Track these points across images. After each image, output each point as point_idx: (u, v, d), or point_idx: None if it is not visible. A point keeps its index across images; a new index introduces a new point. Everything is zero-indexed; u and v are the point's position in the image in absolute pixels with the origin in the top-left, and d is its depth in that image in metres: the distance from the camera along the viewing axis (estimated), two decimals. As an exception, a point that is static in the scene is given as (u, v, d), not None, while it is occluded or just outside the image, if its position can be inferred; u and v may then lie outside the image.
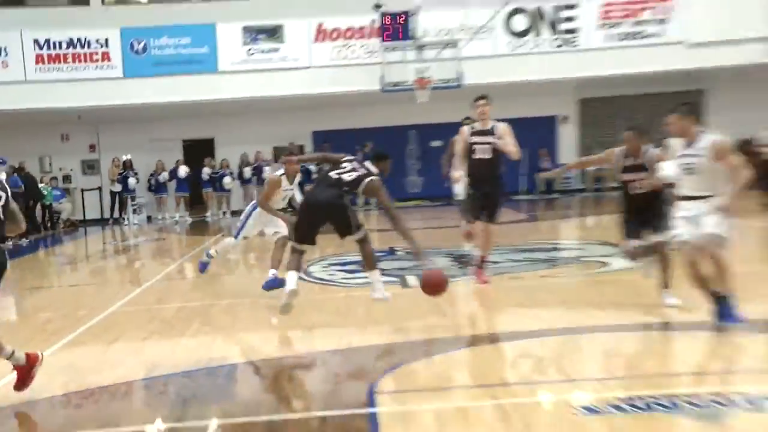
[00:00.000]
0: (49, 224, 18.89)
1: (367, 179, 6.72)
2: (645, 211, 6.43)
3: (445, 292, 6.32)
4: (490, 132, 8.18)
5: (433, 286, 6.23)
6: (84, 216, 20.96)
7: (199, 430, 4.64)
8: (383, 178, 7.01)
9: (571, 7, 18.78)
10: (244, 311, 8.26)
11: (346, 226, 6.65)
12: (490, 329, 7.09)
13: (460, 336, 6.55)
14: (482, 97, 8.37)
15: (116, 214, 20.10)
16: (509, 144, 8.01)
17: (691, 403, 4.26)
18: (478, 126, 8.27)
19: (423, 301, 7.07)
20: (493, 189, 8.03)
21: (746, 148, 16.08)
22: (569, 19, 18.81)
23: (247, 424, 4.59)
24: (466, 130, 8.41)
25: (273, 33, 18.87)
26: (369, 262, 6.82)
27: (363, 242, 6.75)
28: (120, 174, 20.04)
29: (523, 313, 7.37)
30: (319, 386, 5.65)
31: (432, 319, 6.95)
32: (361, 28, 18.81)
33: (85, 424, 4.84)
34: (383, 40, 17.86)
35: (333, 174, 6.76)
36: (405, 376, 5.51)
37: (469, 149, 8.16)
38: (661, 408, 4.25)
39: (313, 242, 6.87)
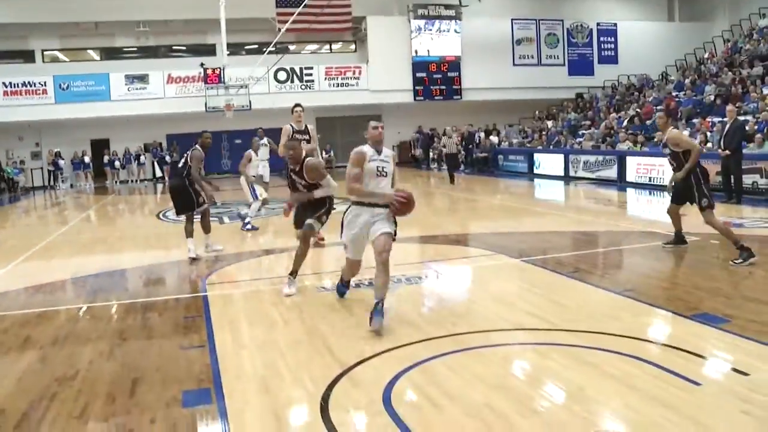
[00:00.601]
0: (11, 189, 28.35)
1: (190, 151, 9.39)
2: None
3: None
4: (305, 131, 9.82)
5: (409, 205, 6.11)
6: (33, 184, 30.21)
7: (105, 308, 7.18)
8: (206, 150, 9.54)
9: (309, 68, 30.98)
10: (133, 240, 12.44)
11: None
12: (273, 246, 10.85)
13: (248, 251, 10.36)
14: (298, 105, 10.09)
15: (52, 183, 29.82)
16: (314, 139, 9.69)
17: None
18: (296, 127, 9.76)
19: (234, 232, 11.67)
20: None
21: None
22: (309, 74, 30.88)
23: (132, 303, 7.28)
24: (289, 128, 9.75)
25: (142, 79, 29.44)
26: (207, 228, 9.89)
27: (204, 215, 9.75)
28: (53, 160, 29.87)
29: (291, 237, 9.35)
30: (175, 281, 8.81)
31: (231, 243, 10.96)
32: (193, 76, 29.43)
33: (38, 305, 7.44)
34: (206, 83, 28.44)
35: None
36: (222, 274, 8.67)
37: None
38: (363, 286, 7.20)
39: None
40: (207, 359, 5.52)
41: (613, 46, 34.39)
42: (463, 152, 28.23)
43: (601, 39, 34.35)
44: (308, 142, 9.59)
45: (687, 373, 4.65)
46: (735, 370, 4.78)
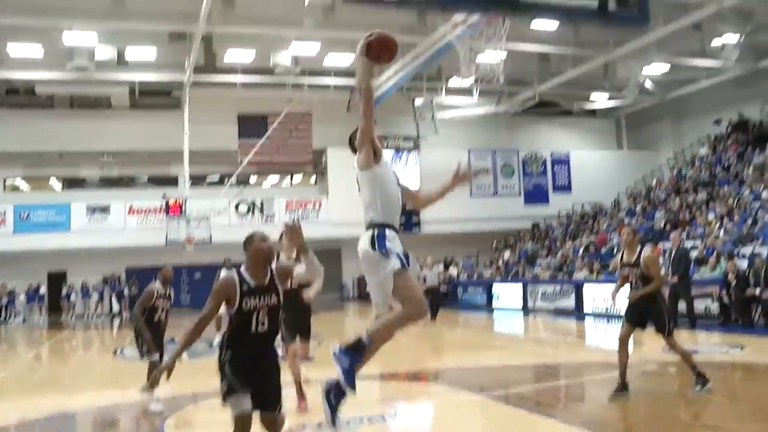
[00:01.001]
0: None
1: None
2: None
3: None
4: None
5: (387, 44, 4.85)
6: None
7: None
8: (166, 285, 9.19)
9: (270, 200, 31.23)
10: (87, 379, 12.07)
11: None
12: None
13: (208, 392, 8.52)
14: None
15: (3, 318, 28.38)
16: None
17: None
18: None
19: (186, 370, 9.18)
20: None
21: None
22: (270, 207, 30.92)
23: None
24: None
25: (104, 210, 29.31)
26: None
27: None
28: (7, 294, 28.37)
29: None
30: (131, 425, 8.47)
31: (190, 382, 9.93)
32: (155, 208, 29.33)
33: None
34: (167, 215, 28.54)
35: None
36: (184, 416, 8.45)
37: None
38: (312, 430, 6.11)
39: None
40: None
41: (566, 174, 35.62)
42: (444, 286, 26.53)
43: (555, 168, 35.60)
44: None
45: None
46: None
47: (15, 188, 31.51)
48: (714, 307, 15.40)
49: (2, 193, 30.61)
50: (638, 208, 26.56)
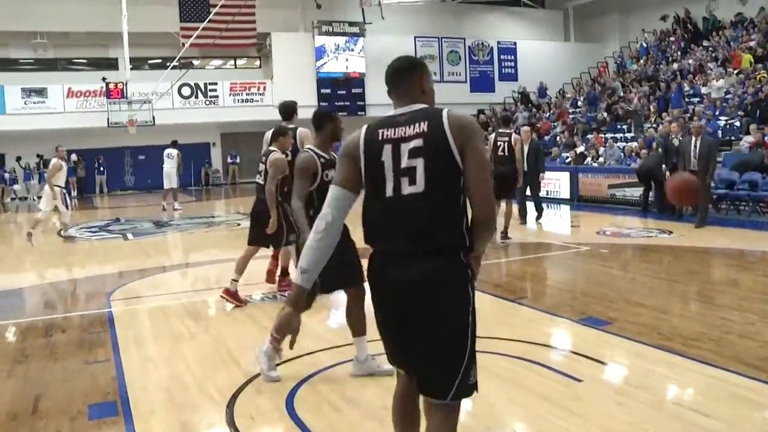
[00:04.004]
0: None
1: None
2: None
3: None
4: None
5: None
6: None
7: (3, 327, 7.16)
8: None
9: (214, 83, 30.72)
10: (33, 258, 12.31)
11: None
12: (178, 261, 10.93)
13: (153, 267, 10.28)
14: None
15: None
16: None
17: (281, 295, 5.33)
18: None
19: (138, 249, 12.31)
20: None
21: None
22: (213, 90, 30.62)
23: (33, 321, 7.33)
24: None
25: (40, 92, 28.38)
26: None
27: None
28: None
29: (195, 253, 11.41)
30: (78, 299, 8.74)
31: (137, 260, 10.78)
32: (95, 90, 28.57)
33: None
34: (108, 98, 27.90)
35: None
36: (127, 290, 8.74)
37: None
38: (267, 299, 7.98)
39: None
40: (113, 373, 5.59)
41: (513, 64, 35.49)
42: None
43: (502, 57, 35.40)
44: None
45: (571, 371, 5.11)
46: (613, 366, 5.34)
47: (-58, 68, 29.87)
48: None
49: (-72, 73, 29.08)
50: (582, 98, 26.87)
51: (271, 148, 7.39)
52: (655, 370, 5.19)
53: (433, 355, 2.76)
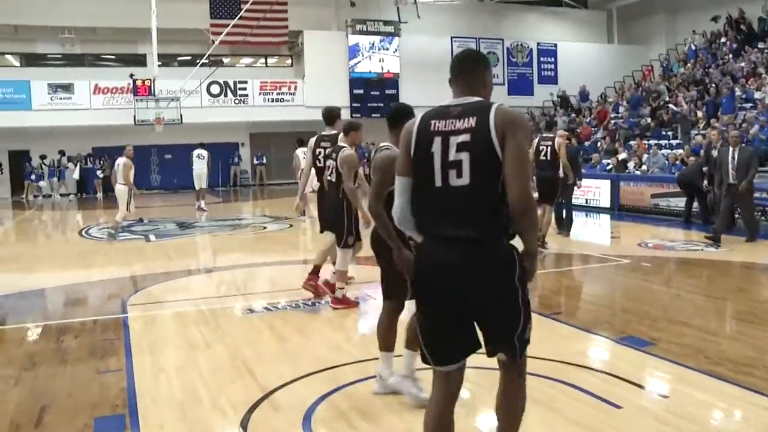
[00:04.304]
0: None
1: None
2: None
3: None
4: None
5: None
6: None
7: (16, 331, 6.96)
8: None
9: (244, 82, 30.43)
10: (52, 258, 11.70)
11: None
12: (200, 265, 10.39)
13: (174, 271, 9.80)
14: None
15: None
16: None
17: (305, 303, 7.37)
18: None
19: (160, 250, 11.60)
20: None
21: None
22: (243, 89, 30.26)
23: (46, 325, 6.99)
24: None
25: (67, 88, 28.06)
26: None
27: None
28: None
29: (218, 256, 11.07)
30: (95, 302, 8.45)
31: (158, 262, 10.51)
32: (122, 87, 28.24)
33: None
34: (135, 95, 27.84)
35: None
36: (146, 294, 8.38)
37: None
38: (289, 308, 7.33)
39: None
40: (123, 383, 5.28)
41: (553, 66, 34.76)
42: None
43: (541, 59, 34.67)
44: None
45: (609, 396, 4.70)
46: (655, 392, 4.90)
47: (-32, 63, 29.76)
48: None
49: (-46, 68, 28.97)
50: (625, 103, 26.13)
51: (342, 144, 7.22)
52: (700, 397, 4.77)
53: (494, 323, 3.12)
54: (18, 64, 30.07)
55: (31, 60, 30.05)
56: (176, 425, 4.48)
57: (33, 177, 29.31)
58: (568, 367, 5.32)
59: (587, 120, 26.21)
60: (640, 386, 4.95)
